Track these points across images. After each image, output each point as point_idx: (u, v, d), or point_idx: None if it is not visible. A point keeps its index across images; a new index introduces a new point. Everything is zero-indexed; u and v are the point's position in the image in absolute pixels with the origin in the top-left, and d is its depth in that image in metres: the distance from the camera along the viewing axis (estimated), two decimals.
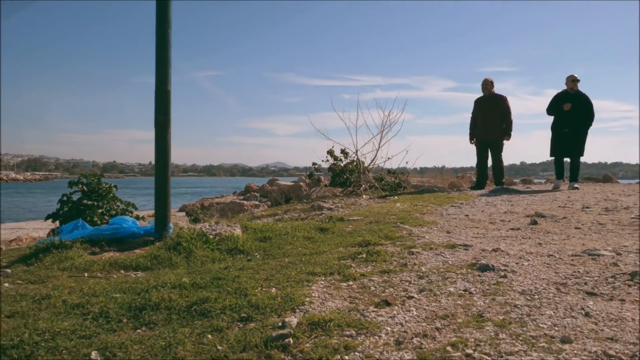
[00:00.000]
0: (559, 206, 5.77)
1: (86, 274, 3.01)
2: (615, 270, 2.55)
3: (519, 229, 4.06)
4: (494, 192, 7.96)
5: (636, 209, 5.20)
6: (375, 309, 2.06)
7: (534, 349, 1.60)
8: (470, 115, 9.03)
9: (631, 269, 2.53)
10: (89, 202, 8.08)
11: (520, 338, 1.70)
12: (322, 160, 9.06)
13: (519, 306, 2.03)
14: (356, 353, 1.63)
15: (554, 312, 1.95)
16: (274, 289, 2.38)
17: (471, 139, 9.01)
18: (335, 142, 9.07)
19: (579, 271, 2.56)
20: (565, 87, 8.47)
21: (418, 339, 1.73)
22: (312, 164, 9.15)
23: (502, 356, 1.54)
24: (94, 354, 1.72)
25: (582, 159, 8.59)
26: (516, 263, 2.78)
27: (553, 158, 8.73)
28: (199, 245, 3.46)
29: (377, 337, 1.76)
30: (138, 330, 1.97)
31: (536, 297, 2.16)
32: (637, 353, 1.53)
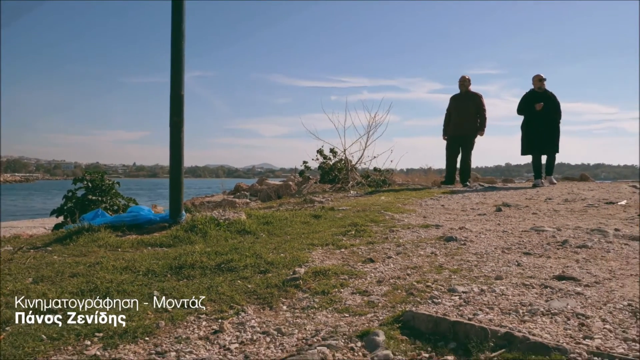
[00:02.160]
0: (526, 198, 6.48)
1: (119, 250, 3.59)
2: (551, 240, 3.23)
3: (484, 214, 4.74)
4: (471, 189, 8.59)
5: (592, 201, 5.92)
6: (362, 264, 2.71)
7: (474, 283, 2.25)
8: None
9: (564, 239, 3.21)
10: (93, 198, 8.59)
11: (467, 277, 2.35)
12: (312, 159, 9.69)
13: (470, 261, 2.70)
14: (349, 287, 2.27)
15: (495, 264, 2.61)
16: (282, 254, 3.01)
17: (445, 134, 9.06)
18: (325, 141, 9.71)
19: (523, 241, 3.24)
20: (532, 87, 8.72)
21: (393, 279, 2.38)
22: (303, 162, 9.77)
23: (451, 286, 2.18)
24: (155, 292, 2.33)
25: (564, 160, 8.94)
26: (475, 236, 3.45)
27: (531, 159, 8.81)
28: (212, 227, 4.06)
29: (363, 279, 2.40)
30: (181, 281, 2.57)
31: (485, 256, 2.82)
32: (545, 283, 2.19)
